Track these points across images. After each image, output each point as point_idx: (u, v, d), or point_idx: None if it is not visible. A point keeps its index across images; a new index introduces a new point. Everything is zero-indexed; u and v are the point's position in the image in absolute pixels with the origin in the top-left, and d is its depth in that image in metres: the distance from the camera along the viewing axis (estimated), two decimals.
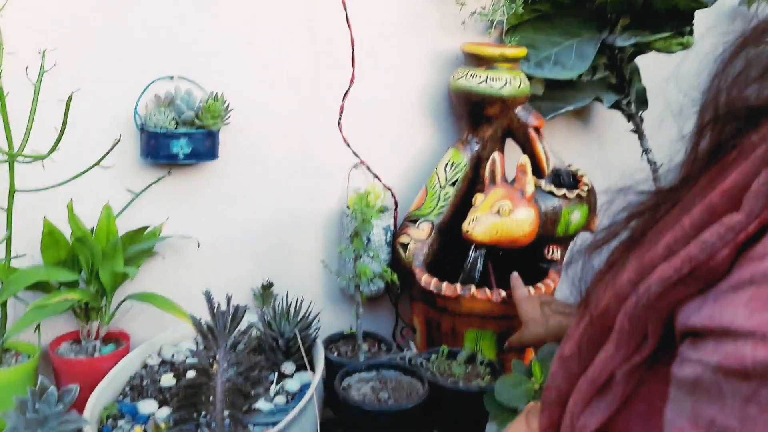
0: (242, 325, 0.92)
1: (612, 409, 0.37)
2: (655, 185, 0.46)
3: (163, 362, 1.23)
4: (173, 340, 1.28)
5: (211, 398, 0.89)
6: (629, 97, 1.51)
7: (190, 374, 1.17)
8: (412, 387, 1.15)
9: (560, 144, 1.53)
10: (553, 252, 1.36)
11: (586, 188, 1.35)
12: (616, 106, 1.50)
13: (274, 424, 1.04)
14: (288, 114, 1.31)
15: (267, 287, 1.35)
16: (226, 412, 0.90)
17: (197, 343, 1.27)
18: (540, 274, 1.33)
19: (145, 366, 1.21)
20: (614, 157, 1.65)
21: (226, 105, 1.22)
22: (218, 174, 1.29)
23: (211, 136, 1.22)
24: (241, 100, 1.25)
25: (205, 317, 1.14)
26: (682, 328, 0.33)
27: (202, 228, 1.29)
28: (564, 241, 1.38)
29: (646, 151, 1.56)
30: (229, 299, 0.91)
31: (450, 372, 1.19)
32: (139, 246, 1.21)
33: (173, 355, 1.24)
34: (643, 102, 1.54)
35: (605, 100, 1.46)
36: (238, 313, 0.89)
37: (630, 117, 1.54)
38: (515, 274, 1.25)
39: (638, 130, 1.55)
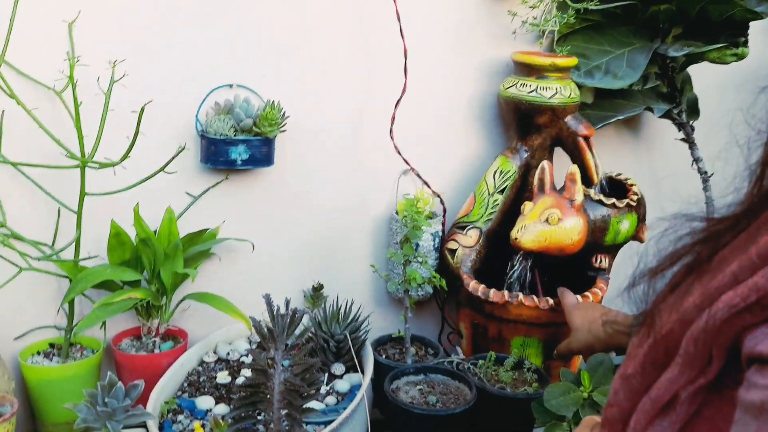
0: (299, 328, 0.96)
1: (674, 428, 0.39)
2: (719, 213, 0.48)
3: (218, 360, 1.28)
4: (228, 339, 1.33)
5: (269, 397, 0.93)
6: (680, 106, 1.50)
7: (245, 372, 1.22)
8: (459, 391, 1.18)
9: (610, 153, 1.54)
10: (601, 261, 1.37)
11: (635, 197, 1.36)
12: (666, 115, 1.50)
13: (325, 423, 1.07)
14: (341, 122, 1.35)
15: (318, 289, 1.38)
16: (283, 411, 0.94)
17: (251, 342, 1.32)
18: (587, 283, 1.34)
19: (202, 363, 1.26)
20: (664, 166, 1.65)
21: (282, 113, 1.26)
22: (273, 179, 1.33)
23: (268, 143, 1.26)
24: (296, 108, 1.29)
25: (260, 317, 1.19)
26: (749, 354, 0.35)
27: (257, 231, 1.34)
28: (612, 250, 1.38)
29: (696, 160, 1.55)
30: (287, 302, 0.94)
31: (497, 378, 1.21)
32: (198, 248, 1.26)
33: (228, 354, 1.29)
34: (694, 111, 1.53)
35: (656, 109, 1.46)
36: (296, 316, 0.93)
37: (681, 126, 1.53)
38: (561, 288, 1.26)
39: (689, 140, 1.54)
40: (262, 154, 1.26)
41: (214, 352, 1.30)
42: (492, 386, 1.18)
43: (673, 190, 1.58)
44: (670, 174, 1.63)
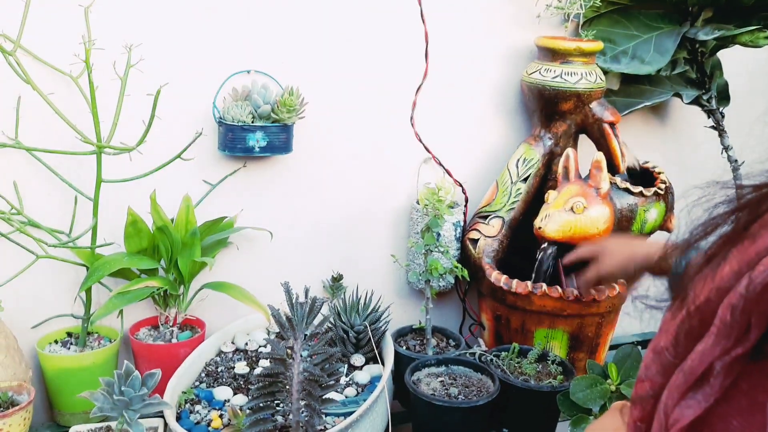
0: (318, 318, 0.94)
1: (709, 402, 0.36)
2: (758, 179, 0.45)
3: (236, 350, 1.26)
4: (246, 329, 1.31)
5: (288, 387, 0.91)
6: (710, 92, 1.46)
7: (263, 363, 1.21)
8: (481, 384, 1.15)
9: (636, 140, 1.50)
10: None
11: (663, 186, 1.32)
12: (695, 101, 1.45)
13: (345, 414, 1.05)
14: (361, 108, 1.32)
15: (337, 279, 1.36)
16: (302, 402, 0.91)
17: (269, 333, 1.30)
18: None
19: (219, 353, 1.25)
20: (692, 154, 1.60)
21: (301, 99, 1.23)
22: (292, 167, 1.31)
23: (286, 130, 1.24)
24: (315, 95, 1.27)
25: (279, 307, 1.17)
26: None
27: (275, 220, 1.32)
28: None
29: (726, 148, 1.51)
30: (306, 291, 0.92)
31: (521, 370, 1.18)
32: (215, 236, 1.25)
33: (246, 344, 1.27)
34: (724, 97, 1.49)
35: (685, 95, 1.42)
36: (315, 305, 0.91)
37: (710, 113, 1.49)
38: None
39: (718, 127, 1.50)
40: (280, 141, 1.24)
41: (232, 343, 1.28)
42: (515, 378, 1.15)
43: (702, 180, 1.54)
44: (699, 162, 1.59)
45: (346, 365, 1.21)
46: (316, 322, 0.94)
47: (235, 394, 1.14)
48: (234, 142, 1.21)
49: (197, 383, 1.16)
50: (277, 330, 1.31)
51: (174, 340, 1.23)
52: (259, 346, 1.27)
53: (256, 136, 1.21)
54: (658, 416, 0.40)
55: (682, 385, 0.38)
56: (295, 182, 1.32)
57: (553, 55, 1.31)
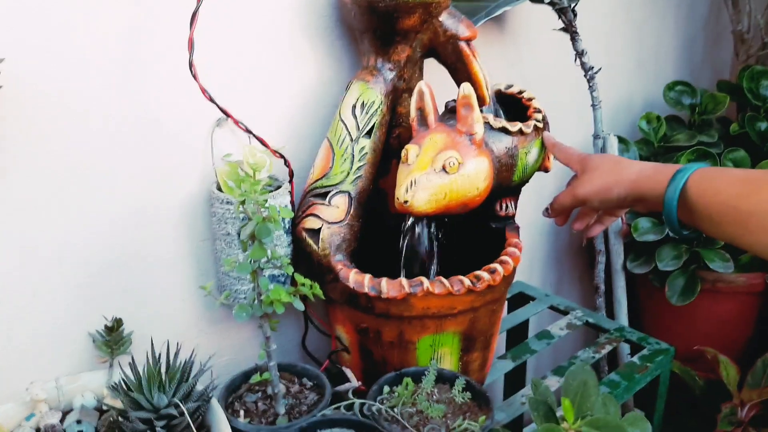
0: None
1: None
2: None
3: None
4: None
5: None
6: None
7: None
8: None
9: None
10: (508, 206, 1.03)
11: (539, 115, 1.01)
12: None
13: None
14: (109, 56, 0.81)
15: (114, 327, 0.88)
16: None
17: None
18: (493, 239, 1.00)
19: None
20: (542, 66, 1.32)
21: None
22: (7, 169, 0.77)
23: None
24: (24, 49, 0.73)
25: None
26: None
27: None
28: (518, 190, 1.04)
29: (580, 54, 1.25)
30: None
31: (417, 409, 0.83)
32: None
33: None
34: None
35: None
36: None
37: (561, 12, 1.20)
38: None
39: (570, 29, 1.22)
40: None
41: None
42: None
43: (554, 95, 1.27)
44: (552, 75, 1.32)
45: None
46: None
47: None
48: None
49: None
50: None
51: None
52: None
53: None
54: None
55: None
56: (15, 194, 0.79)
57: None
